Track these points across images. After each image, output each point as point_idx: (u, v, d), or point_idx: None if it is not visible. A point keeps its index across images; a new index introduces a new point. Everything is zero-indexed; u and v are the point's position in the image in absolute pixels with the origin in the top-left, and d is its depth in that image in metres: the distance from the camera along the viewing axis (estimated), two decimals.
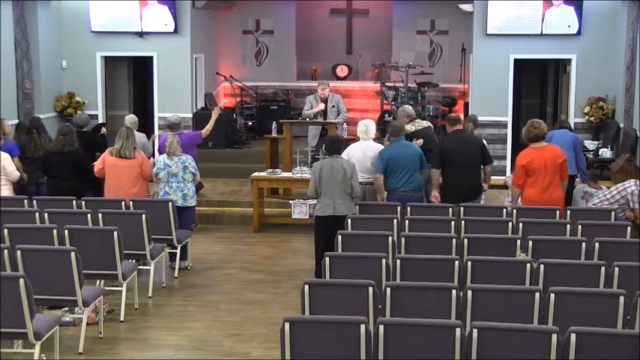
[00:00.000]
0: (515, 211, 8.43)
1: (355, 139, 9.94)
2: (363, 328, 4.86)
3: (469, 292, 5.54)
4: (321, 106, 12.07)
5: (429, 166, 9.93)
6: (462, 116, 9.49)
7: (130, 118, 10.95)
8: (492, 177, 9.39)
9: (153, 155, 11.28)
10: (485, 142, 9.86)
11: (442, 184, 9.29)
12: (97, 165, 9.43)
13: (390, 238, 7.12)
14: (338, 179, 8.50)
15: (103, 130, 11.78)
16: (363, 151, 9.42)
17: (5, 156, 9.47)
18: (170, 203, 8.81)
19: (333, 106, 12.10)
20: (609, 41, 13.43)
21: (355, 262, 6.48)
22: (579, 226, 7.69)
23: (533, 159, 8.67)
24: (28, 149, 10.28)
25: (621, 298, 5.46)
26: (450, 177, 9.24)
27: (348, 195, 8.53)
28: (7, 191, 9.37)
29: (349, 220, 8.02)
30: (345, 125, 12.08)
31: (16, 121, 12.04)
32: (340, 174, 8.51)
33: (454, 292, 5.56)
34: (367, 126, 9.59)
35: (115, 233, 7.44)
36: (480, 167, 9.31)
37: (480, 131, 11.68)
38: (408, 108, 10.36)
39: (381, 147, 9.70)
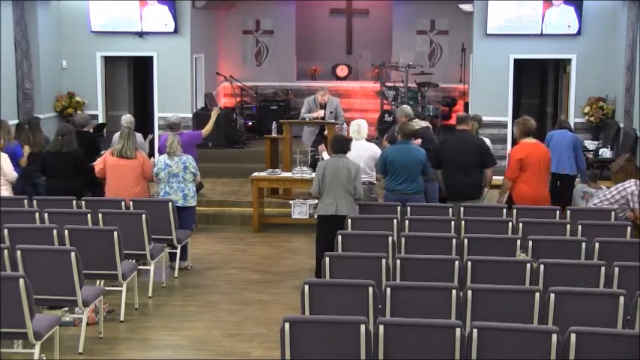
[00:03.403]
0: (515, 211, 8.44)
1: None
2: (363, 328, 4.86)
3: (469, 292, 5.54)
4: (320, 112, 11.97)
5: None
6: (469, 116, 9.52)
7: (127, 118, 10.94)
8: (493, 177, 9.37)
9: (151, 155, 11.26)
10: (489, 143, 9.82)
11: (444, 183, 9.32)
12: (98, 165, 9.43)
13: (390, 238, 7.12)
14: (342, 179, 8.47)
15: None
16: (357, 151, 9.40)
17: (3, 156, 9.46)
18: (170, 203, 8.81)
19: (331, 112, 11.97)
20: (609, 41, 13.44)
21: (355, 262, 6.48)
22: (579, 226, 7.69)
23: (529, 153, 8.89)
24: (22, 146, 10.25)
25: (621, 298, 5.46)
26: (447, 176, 9.24)
27: (350, 195, 8.50)
28: (5, 192, 9.36)
29: (349, 220, 8.02)
30: (344, 126, 12.06)
31: (16, 121, 12.04)
32: (345, 174, 8.47)
33: (454, 292, 5.56)
34: (359, 126, 9.58)
35: (115, 233, 7.44)
36: (477, 168, 9.16)
37: (480, 131, 11.66)
38: (407, 108, 10.35)
39: (374, 146, 9.70)
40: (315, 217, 9.06)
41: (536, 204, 8.79)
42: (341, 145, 8.72)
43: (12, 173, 9.44)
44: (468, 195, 9.00)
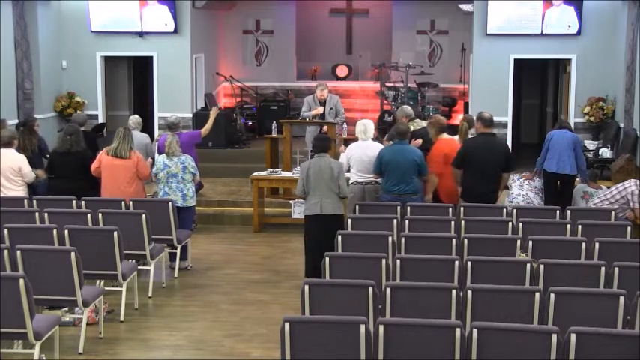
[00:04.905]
0: (515, 211, 8.44)
1: (354, 139, 9.93)
2: (363, 328, 4.86)
3: (469, 292, 5.54)
4: (320, 109, 11.98)
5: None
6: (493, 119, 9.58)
7: (134, 119, 10.96)
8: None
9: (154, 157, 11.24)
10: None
11: (462, 183, 9.26)
12: (94, 165, 9.41)
13: (390, 238, 7.12)
14: (325, 178, 8.49)
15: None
16: (363, 150, 9.41)
17: (22, 158, 9.47)
18: (170, 203, 8.81)
19: (331, 109, 11.99)
20: (609, 41, 13.44)
21: (355, 262, 6.48)
22: (579, 226, 7.70)
23: (451, 150, 9.30)
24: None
25: (621, 298, 5.47)
26: (468, 178, 9.16)
27: (335, 194, 8.53)
28: (22, 192, 9.36)
29: (349, 220, 8.02)
30: (344, 125, 12.06)
31: (16, 121, 12.04)
32: (327, 173, 8.50)
33: (454, 292, 5.56)
34: (365, 126, 9.58)
35: (115, 233, 7.44)
36: (499, 173, 9.12)
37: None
38: (407, 108, 10.35)
39: (381, 146, 9.69)
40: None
41: (455, 195, 9.22)
42: (322, 145, 8.74)
43: (30, 174, 9.45)
44: (484, 200, 8.93)
